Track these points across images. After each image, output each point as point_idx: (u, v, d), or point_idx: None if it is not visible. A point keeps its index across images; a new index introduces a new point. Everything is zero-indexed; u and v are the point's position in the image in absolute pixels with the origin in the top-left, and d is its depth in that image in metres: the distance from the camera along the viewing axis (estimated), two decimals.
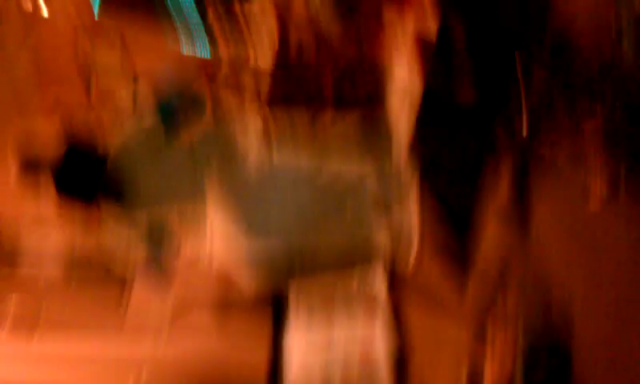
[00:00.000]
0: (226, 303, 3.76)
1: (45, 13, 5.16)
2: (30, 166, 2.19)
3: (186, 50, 5.05)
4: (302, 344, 3.58)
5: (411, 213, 2.54)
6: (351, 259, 2.40)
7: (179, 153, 2.25)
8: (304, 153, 2.32)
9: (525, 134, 2.32)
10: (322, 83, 4.31)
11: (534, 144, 2.33)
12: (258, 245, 2.23)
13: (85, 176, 2.21)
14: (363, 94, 4.41)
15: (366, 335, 3.54)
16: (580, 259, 2.09)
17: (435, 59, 2.60)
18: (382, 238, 2.43)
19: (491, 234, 2.80)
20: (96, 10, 5.30)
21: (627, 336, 1.70)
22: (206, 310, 3.75)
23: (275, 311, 3.61)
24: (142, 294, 3.84)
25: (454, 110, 2.88)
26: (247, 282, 2.29)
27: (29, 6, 5.66)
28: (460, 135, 3.16)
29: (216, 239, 2.26)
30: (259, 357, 3.69)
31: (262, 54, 4.71)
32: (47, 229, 2.38)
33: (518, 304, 2.52)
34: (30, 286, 3.77)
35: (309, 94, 4.31)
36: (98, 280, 2.34)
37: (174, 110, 2.34)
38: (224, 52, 5.06)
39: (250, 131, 2.35)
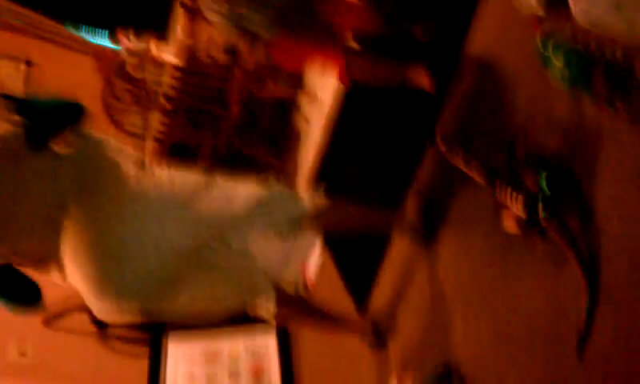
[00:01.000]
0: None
1: None
2: None
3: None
4: (186, 355, 3.41)
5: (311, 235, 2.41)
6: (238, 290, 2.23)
7: (41, 165, 1.98)
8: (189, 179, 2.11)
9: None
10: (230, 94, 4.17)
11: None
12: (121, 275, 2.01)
13: None
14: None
15: (257, 347, 3.39)
16: (485, 287, 1.96)
17: None
18: (272, 264, 2.26)
19: (397, 248, 2.62)
20: None
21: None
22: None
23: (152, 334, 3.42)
24: None
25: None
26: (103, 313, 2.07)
27: None
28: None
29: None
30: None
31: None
32: None
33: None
34: None
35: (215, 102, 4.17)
36: None
37: (44, 113, 2.05)
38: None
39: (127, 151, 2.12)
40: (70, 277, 1.98)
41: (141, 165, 2.07)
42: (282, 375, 3.26)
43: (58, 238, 1.93)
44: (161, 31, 4.98)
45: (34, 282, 2.00)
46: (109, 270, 1.92)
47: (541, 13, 1.66)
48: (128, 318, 2.06)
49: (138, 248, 1.92)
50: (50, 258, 1.98)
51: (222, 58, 4.52)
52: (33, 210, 1.91)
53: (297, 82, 4.48)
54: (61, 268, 2.00)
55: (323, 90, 3.93)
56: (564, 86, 1.56)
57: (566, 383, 1.51)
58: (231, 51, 4.55)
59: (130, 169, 2.03)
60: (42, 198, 1.92)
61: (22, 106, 1.99)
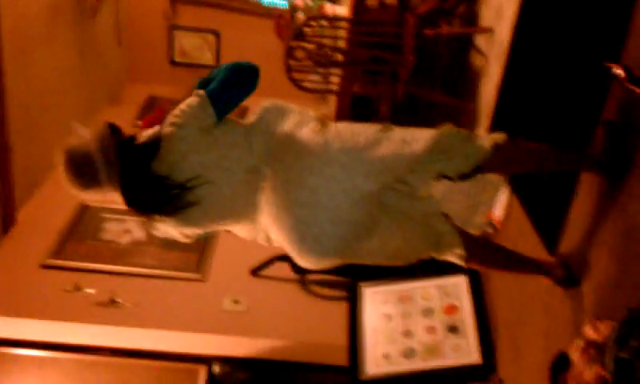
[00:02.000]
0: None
1: None
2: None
3: None
4: (381, 297, 3.57)
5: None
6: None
7: (234, 136, 2.21)
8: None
9: None
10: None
11: None
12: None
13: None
14: None
15: (449, 286, 3.46)
16: None
17: None
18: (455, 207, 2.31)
19: (585, 185, 2.53)
20: None
21: None
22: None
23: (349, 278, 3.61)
24: None
25: None
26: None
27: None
28: None
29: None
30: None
31: None
32: None
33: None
34: None
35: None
36: None
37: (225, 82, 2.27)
38: None
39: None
40: (273, 233, 2.20)
41: (324, 124, 2.21)
42: (474, 313, 3.32)
43: (259, 199, 2.14)
44: None
45: None
46: (305, 220, 2.10)
47: None
48: (327, 264, 2.23)
49: (329, 196, 2.08)
50: (253, 219, 2.20)
51: (393, 4, 4.56)
52: (234, 178, 2.13)
53: (470, 19, 4.40)
54: (264, 227, 2.22)
55: (499, 23, 3.83)
56: None
57: None
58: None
59: (313, 126, 2.18)
60: (239, 165, 2.14)
61: (204, 82, 2.21)
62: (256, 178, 2.14)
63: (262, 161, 2.15)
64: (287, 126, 2.20)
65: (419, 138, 2.18)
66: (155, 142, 2.13)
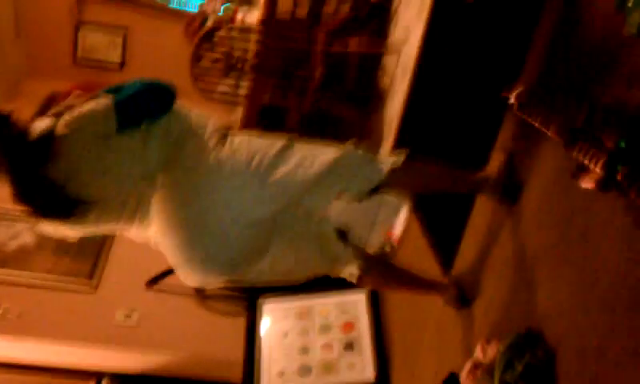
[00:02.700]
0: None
1: None
2: None
3: None
4: (279, 312, 3.52)
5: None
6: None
7: (131, 145, 2.10)
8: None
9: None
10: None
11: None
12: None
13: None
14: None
15: (347, 304, 3.46)
16: (565, 244, 1.93)
17: None
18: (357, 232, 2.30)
19: (480, 207, 2.59)
20: None
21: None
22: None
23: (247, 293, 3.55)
24: None
25: None
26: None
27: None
28: None
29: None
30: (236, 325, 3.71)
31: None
32: None
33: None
34: None
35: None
36: None
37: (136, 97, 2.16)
38: None
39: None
40: (162, 247, 2.10)
41: (221, 136, 2.13)
42: (371, 331, 3.32)
43: (149, 210, 2.05)
44: None
45: None
46: (192, 241, 2.02)
47: None
48: (213, 284, 2.17)
49: (217, 220, 2.00)
50: (145, 225, 2.10)
51: (304, 17, 4.55)
52: (127, 184, 2.02)
53: (380, 38, 4.44)
54: (155, 237, 2.13)
55: (407, 42, 3.88)
56: None
57: None
58: (314, 11, 4.57)
59: (210, 141, 2.09)
60: (132, 174, 2.03)
61: (114, 89, 2.08)
62: (149, 186, 2.04)
63: (155, 169, 2.05)
64: (184, 136, 2.10)
65: (318, 158, 2.14)
66: (47, 142, 1.98)
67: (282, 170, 2.07)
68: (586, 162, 1.64)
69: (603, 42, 1.91)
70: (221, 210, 1.99)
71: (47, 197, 1.97)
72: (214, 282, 2.15)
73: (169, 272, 3.83)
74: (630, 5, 1.51)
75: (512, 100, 2.00)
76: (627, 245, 1.60)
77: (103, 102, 1.99)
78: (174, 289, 3.92)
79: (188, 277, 2.10)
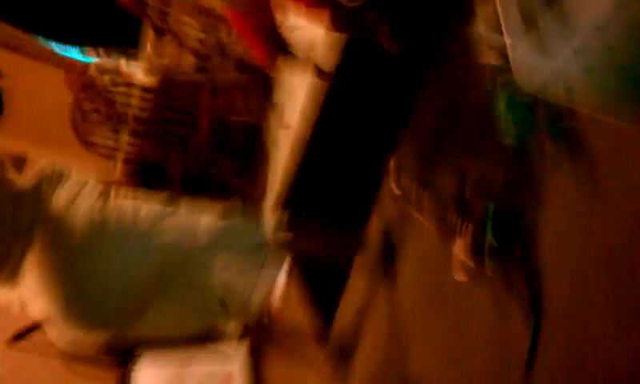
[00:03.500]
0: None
1: None
2: None
3: None
4: (153, 379, 3.41)
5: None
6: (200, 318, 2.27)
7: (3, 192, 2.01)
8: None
9: None
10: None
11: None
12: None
13: None
14: None
15: (224, 372, 3.41)
16: (435, 324, 2.03)
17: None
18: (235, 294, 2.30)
19: (358, 286, 2.67)
20: None
21: None
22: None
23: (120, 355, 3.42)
24: None
25: None
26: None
27: None
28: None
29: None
30: None
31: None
32: None
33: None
34: None
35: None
36: None
37: None
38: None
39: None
40: (33, 306, 2.00)
41: (104, 196, 2.09)
42: None
43: (23, 265, 1.95)
44: (131, 48, 4.99)
45: None
46: (71, 300, 1.95)
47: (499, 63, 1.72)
48: (91, 348, 2.08)
49: (100, 279, 1.96)
50: (12, 284, 2.00)
51: (192, 75, 4.55)
52: None
53: (267, 105, 4.52)
54: (24, 297, 2.02)
55: (292, 114, 3.98)
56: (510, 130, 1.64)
57: None
58: (202, 68, 4.58)
59: (93, 200, 2.05)
60: (5, 224, 1.94)
61: None
62: (21, 245, 1.95)
63: (29, 229, 1.96)
64: (63, 195, 2.05)
65: (203, 224, 2.15)
66: None
67: (166, 233, 2.07)
68: (460, 255, 1.75)
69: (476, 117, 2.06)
70: (106, 267, 1.97)
71: None
72: (93, 340, 2.06)
73: (35, 327, 3.61)
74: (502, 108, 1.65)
75: (396, 191, 2.12)
76: (494, 323, 1.70)
77: None
78: (40, 349, 3.69)
79: (64, 335, 2.00)
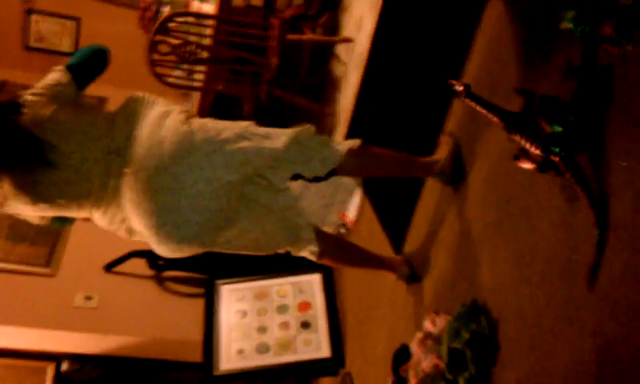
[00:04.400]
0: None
1: None
2: None
3: None
4: (237, 294, 3.64)
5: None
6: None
7: (98, 116, 2.22)
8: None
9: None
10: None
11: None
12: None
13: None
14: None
15: (303, 284, 3.60)
16: (507, 221, 2.10)
17: None
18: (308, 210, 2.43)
19: (428, 189, 2.76)
20: None
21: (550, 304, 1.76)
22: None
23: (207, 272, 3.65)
24: None
25: None
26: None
27: None
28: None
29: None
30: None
31: None
32: None
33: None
34: None
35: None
36: None
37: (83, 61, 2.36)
38: None
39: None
40: (133, 221, 2.18)
41: (190, 117, 2.25)
42: (326, 309, 3.48)
43: (119, 184, 2.13)
44: None
45: None
46: (166, 206, 2.12)
47: None
48: (185, 252, 2.25)
49: (191, 184, 2.12)
50: (114, 204, 2.18)
51: (259, 5, 4.63)
52: (88, 156, 2.11)
53: (333, 28, 4.57)
54: (125, 216, 2.21)
55: (359, 34, 4.03)
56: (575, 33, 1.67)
57: (578, 316, 1.65)
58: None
59: (180, 120, 2.21)
60: (96, 145, 2.12)
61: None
62: (117, 162, 2.13)
63: (123, 146, 2.14)
64: (153, 114, 2.21)
65: (280, 136, 2.28)
66: (15, 102, 2.09)
67: (247, 141, 2.21)
68: (526, 145, 1.80)
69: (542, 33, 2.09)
70: (196, 173, 2.12)
71: (15, 139, 2.05)
72: (185, 249, 2.22)
73: (127, 256, 3.91)
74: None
75: (458, 88, 2.15)
76: (562, 221, 1.78)
77: (58, 68, 2.26)
78: (133, 272, 4.00)
79: (162, 243, 2.17)
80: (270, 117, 4.24)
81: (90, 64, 2.36)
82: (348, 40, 4.22)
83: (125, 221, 2.22)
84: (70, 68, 2.27)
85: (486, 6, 2.48)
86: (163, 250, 2.22)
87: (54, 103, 2.14)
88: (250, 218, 2.27)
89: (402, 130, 3.09)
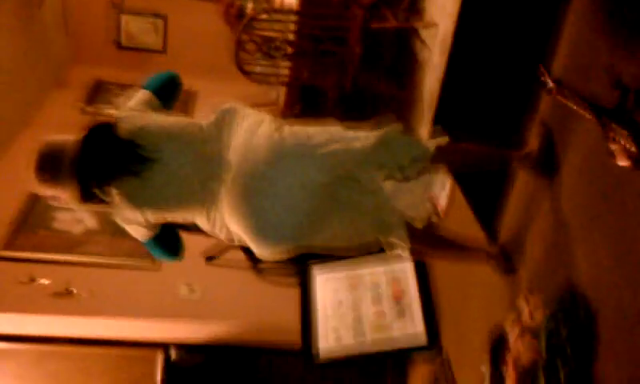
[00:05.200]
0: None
1: None
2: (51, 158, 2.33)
3: None
4: (332, 283, 3.74)
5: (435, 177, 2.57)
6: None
7: (189, 134, 2.34)
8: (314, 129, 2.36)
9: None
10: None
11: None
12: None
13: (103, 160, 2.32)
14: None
15: (396, 272, 3.66)
16: (604, 217, 2.09)
17: None
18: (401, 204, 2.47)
19: (521, 180, 2.75)
20: None
21: None
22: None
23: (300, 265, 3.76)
24: None
25: None
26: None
27: None
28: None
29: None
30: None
31: None
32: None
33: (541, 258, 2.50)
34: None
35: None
36: None
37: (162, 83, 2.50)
38: None
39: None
40: (232, 225, 2.30)
41: (280, 125, 2.34)
42: (420, 297, 3.54)
43: (218, 188, 2.25)
44: None
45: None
46: (264, 209, 2.22)
47: None
48: (284, 253, 2.35)
49: (286, 187, 2.22)
50: (213, 207, 2.30)
51: None
52: (185, 160, 2.25)
53: (414, 10, 4.55)
54: (224, 219, 2.33)
55: (442, 18, 3.99)
56: None
57: None
58: None
59: (271, 129, 2.31)
60: (196, 150, 2.25)
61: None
62: (216, 169, 2.25)
63: (219, 154, 2.26)
64: (246, 124, 2.32)
65: (369, 137, 2.34)
66: (109, 124, 2.25)
67: (337, 143, 2.28)
68: (622, 141, 1.79)
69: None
70: (289, 176, 2.22)
71: (116, 149, 2.21)
72: (284, 250, 2.32)
73: (227, 248, 4.08)
74: None
75: (549, 84, 2.14)
76: None
77: (141, 92, 2.40)
78: (232, 263, 4.17)
79: (261, 245, 2.29)
80: (355, 104, 4.29)
81: (167, 88, 2.48)
82: (433, 25, 4.19)
83: (225, 225, 2.34)
84: (155, 93, 2.41)
85: None
86: (263, 252, 2.33)
87: (146, 116, 2.30)
88: (343, 219, 2.35)
89: (489, 119, 3.08)
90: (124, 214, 2.31)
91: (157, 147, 2.21)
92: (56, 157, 2.23)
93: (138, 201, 2.26)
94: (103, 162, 2.23)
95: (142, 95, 2.37)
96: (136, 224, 2.36)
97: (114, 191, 2.23)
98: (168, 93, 2.48)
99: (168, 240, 2.48)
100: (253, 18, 4.10)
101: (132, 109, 2.32)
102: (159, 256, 2.54)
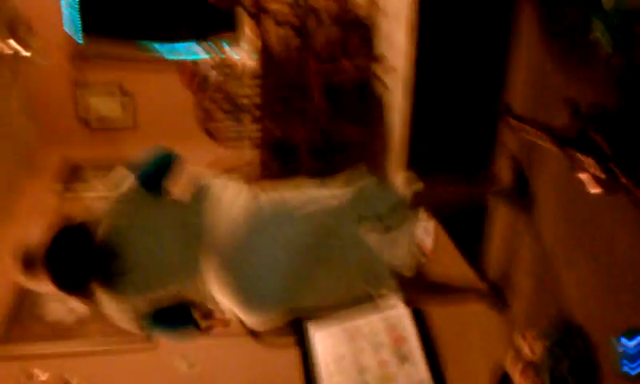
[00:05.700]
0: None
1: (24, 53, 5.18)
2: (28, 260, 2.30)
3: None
4: (330, 337, 3.74)
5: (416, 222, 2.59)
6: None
7: (168, 214, 2.33)
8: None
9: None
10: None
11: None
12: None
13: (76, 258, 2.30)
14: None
15: (392, 319, 3.67)
16: (586, 243, 2.13)
17: None
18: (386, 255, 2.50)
19: (501, 214, 2.81)
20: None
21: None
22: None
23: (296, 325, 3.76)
24: None
25: None
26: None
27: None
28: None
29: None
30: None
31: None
32: None
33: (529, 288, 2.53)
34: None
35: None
36: None
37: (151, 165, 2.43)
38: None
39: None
40: (219, 298, 2.30)
41: (255, 194, 2.36)
42: (420, 341, 3.57)
43: (203, 266, 2.25)
44: (230, 31, 5.19)
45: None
46: (248, 278, 2.23)
47: None
48: (275, 320, 2.36)
49: (268, 253, 2.24)
50: (197, 276, 2.30)
51: (293, 43, 4.69)
52: (162, 237, 2.25)
53: (373, 57, 4.63)
54: (211, 297, 2.33)
55: (399, 59, 4.07)
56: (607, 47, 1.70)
57: None
58: (301, 33, 4.72)
59: (248, 201, 2.32)
60: (177, 240, 2.25)
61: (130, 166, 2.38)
62: (198, 242, 2.24)
63: (199, 229, 2.26)
64: (225, 196, 2.34)
65: (345, 193, 2.38)
66: (85, 225, 2.24)
67: (314, 204, 2.32)
68: (590, 169, 1.82)
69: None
70: (270, 243, 2.24)
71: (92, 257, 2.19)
72: (274, 317, 2.33)
73: (219, 320, 4.05)
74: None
75: (510, 122, 2.19)
76: (636, 231, 1.80)
77: (125, 173, 2.33)
78: (228, 332, 4.13)
79: (251, 315, 2.29)
80: (325, 156, 4.33)
81: (158, 172, 2.39)
82: (391, 70, 4.27)
83: (210, 295, 2.32)
84: (138, 176, 2.33)
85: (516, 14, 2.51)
86: (253, 322, 2.33)
87: (127, 212, 2.28)
88: (330, 276, 2.36)
89: (460, 156, 3.14)
90: (109, 309, 2.31)
91: (134, 249, 2.21)
92: (30, 259, 2.21)
93: (122, 296, 2.25)
94: (72, 270, 2.22)
95: (128, 185, 2.32)
96: (126, 317, 2.35)
97: (96, 290, 2.23)
98: (159, 176, 2.39)
99: (168, 315, 2.41)
100: (206, 77, 4.12)
101: (112, 202, 2.31)
102: (169, 336, 2.53)
